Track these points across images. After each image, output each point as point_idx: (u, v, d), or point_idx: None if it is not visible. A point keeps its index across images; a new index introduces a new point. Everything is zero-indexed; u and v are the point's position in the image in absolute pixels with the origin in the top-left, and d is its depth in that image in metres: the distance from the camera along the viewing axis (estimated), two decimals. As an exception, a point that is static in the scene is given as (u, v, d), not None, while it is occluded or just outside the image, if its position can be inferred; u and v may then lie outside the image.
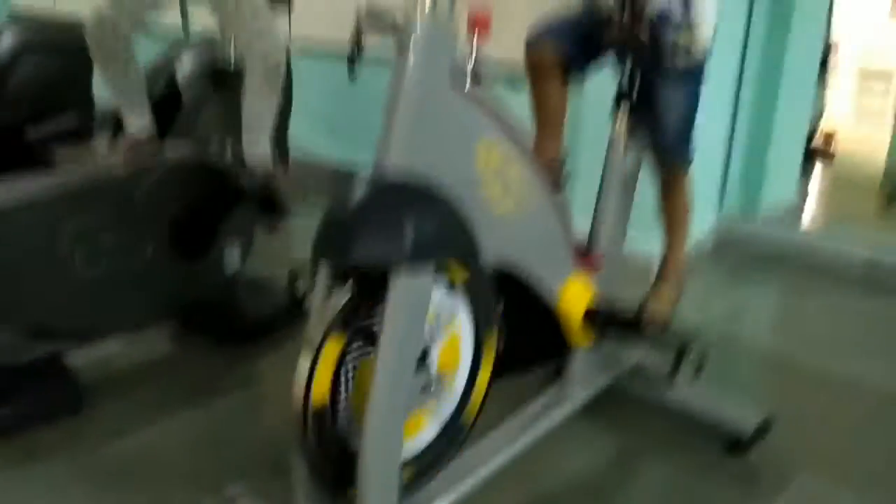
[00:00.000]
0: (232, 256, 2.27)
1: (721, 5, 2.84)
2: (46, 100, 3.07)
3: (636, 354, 1.79)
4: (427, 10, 1.12)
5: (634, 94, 1.61)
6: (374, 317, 1.20)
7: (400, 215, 1.12)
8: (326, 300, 1.19)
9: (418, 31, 1.13)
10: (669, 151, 1.64)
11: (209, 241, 2.17)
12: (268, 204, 2.29)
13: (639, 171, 1.71)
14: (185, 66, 2.47)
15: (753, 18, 3.12)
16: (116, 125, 2.45)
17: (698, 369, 1.66)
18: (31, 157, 2.52)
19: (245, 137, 2.09)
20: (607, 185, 1.69)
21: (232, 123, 2.18)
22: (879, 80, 10.42)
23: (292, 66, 2.41)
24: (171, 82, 2.39)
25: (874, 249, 3.12)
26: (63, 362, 1.89)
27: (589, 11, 1.59)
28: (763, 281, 3.05)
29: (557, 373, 1.67)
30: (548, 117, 1.61)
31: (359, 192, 1.17)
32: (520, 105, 1.53)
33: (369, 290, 1.17)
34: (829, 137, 6.08)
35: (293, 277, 1.34)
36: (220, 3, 1.98)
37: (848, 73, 10.83)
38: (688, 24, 1.51)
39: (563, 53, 1.56)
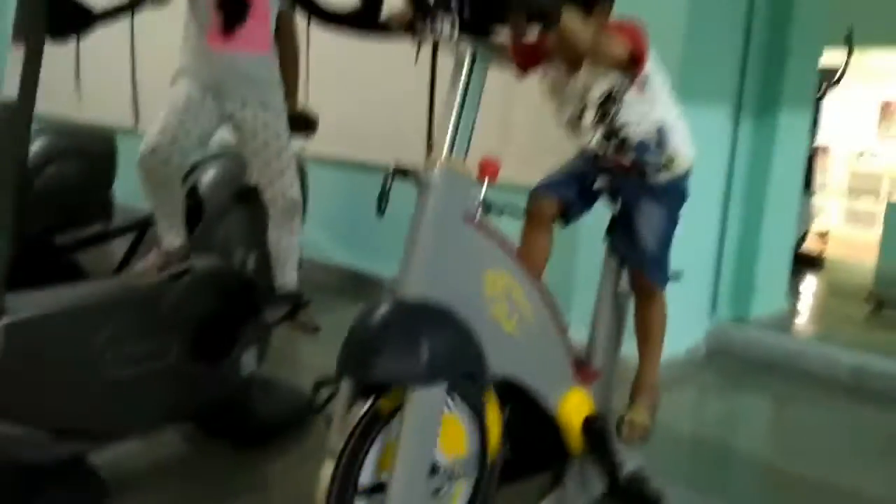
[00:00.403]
0: (248, 359, 2.39)
1: (709, 122, 3.10)
2: (72, 205, 3.26)
3: (634, 461, 1.89)
4: (444, 158, 1.30)
5: (617, 210, 1.78)
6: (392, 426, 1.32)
7: (418, 337, 1.26)
8: (348, 411, 1.31)
9: (437, 177, 1.30)
10: (646, 268, 1.75)
11: (228, 346, 2.29)
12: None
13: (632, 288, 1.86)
14: (208, 178, 2.66)
15: (740, 133, 3.35)
16: (140, 233, 2.62)
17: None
18: (59, 264, 2.69)
19: (275, 270, 2.28)
20: (602, 301, 1.84)
21: (254, 236, 2.35)
22: (869, 183, 10.75)
23: (308, 174, 2.60)
24: (194, 192, 2.58)
25: (863, 357, 3.22)
26: (87, 462, 1.98)
27: (583, 157, 1.79)
28: (755, 388, 3.15)
29: (557, 480, 1.77)
30: (532, 261, 1.75)
31: (381, 312, 1.31)
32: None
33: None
34: (822, 236, 6.31)
35: (318, 386, 1.47)
36: (247, 139, 2.17)
37: (838, 175, 11.19)
38: (664, 151, 1.70)
39: (562, 204, 1.76)
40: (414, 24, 1.36)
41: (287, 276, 2.29)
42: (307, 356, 3.00)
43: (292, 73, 2.31)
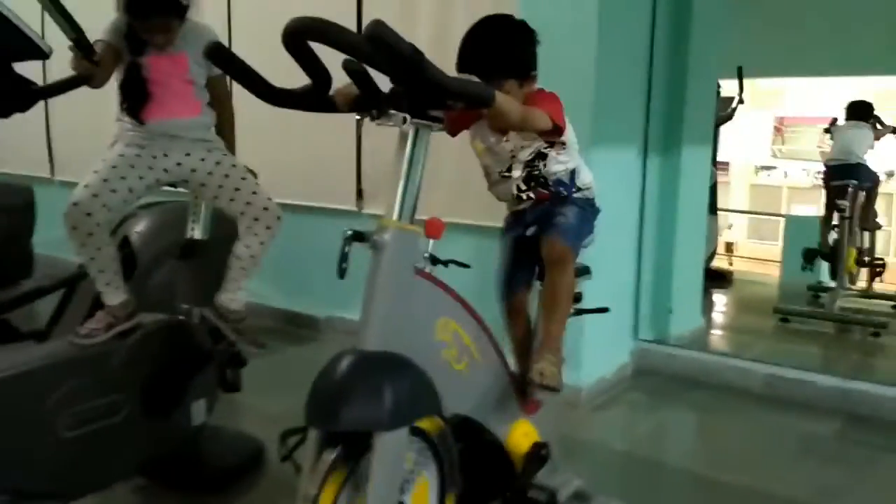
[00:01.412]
0: (199, 409, 2.43)
1: (620, 160, 3.32)
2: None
3: (577, 482, 2.05)
4: (395, 220, 1.44)
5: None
6: (359, 469, 1.43)
7: (380, 386, 1.37)
8: (318, 459, 1.41)
9: (389, 237, 1.43)
10: (560, 233, 1.80)
11: (179, 398, 2.33)
12: (232, 361, 2.50)
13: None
14: (140, 229, 2.69)
15: (648, 169, 3.61)
16: (69, 289, 2.62)
17: None
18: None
19: (226, 281, 2.28)
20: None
21: (198, 290, 2.40)
22: (770, 197, 11.40)
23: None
24: (126, 244, 2.60)
25: (774, 367, 3.47)
26: (43, 524, 2.00)
27: (511, 222, 1.97)
28: (679, 402, 3.36)
29: (506, 504, 1.91)
30: (521, 345, 1.98)
31: (344, 364, 1.42)
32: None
33: (354, 448, 1.41)
34: (728, 248, 6.72)
35: (284, 436, 1.56)
36: (203, 180, 2.23)
37: (740, 190, 11.82)
38: (575, 183, 1.89)
39: (525, 288, 1.95)
40: (360, 103, 1.49)
41: (235, 292, 2.29)
42: (255, 403, 3.05)
43: (229, 133, 2.39)
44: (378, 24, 1.13)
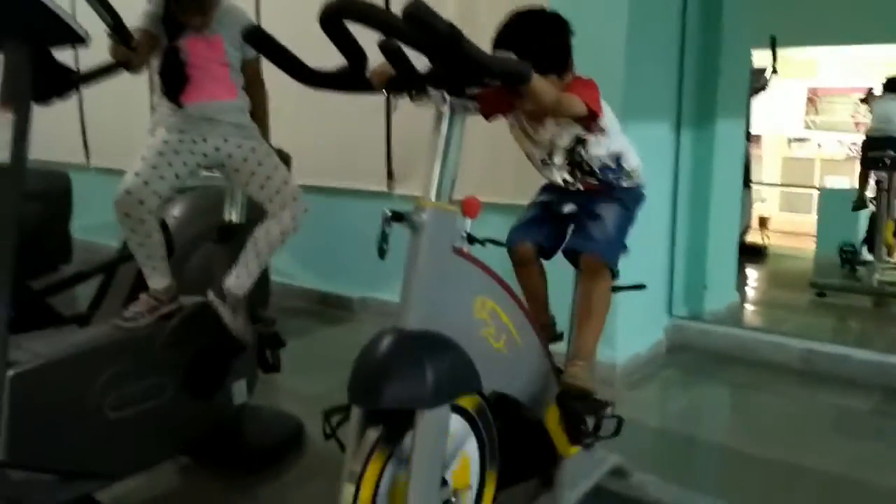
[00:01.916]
0: (240, 389, 2.48)
1: (653, 135, 3.29)
2: (32, 247, 3.26)
3: (615, 458, 2.06)
4: (433, 199, 1.45)
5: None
6: (402, 446, 1.45)
7: (421, 365, 1.39)
8: (361, 437, 1.44)
9: (427, 217, 1.44)
10: (601, 247, 1.80)
11: (220, 379, 2.38)
12: (271, 342, 2.54)
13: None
14: (177, 213, 2.73)
15: (681, 143, 3.57)
16: (109, 274, 2.68)
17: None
18: (36, 309, 2.73)
19: (238, 265, 2.29)
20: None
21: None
22: (803, 169, 11.20)
23: None
24: (163, 227, 2.64)
25: (810, 342, 3.43)
26: (94, 502, 2.06)
27: (548, 188, 1.96)
28: (714, 379, 3.35)
29: (545, 482, 1.92)
30: (533, 295, 1.96)
31: (385, 343, 1.43)
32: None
33: (397, 425, 1.43)
34: (763, 222, 6.63)
35: (327, 415, 1.58)
36: (237, 167, 2.27)
37: (773, 162, 11.63)
38: (623, 169, 1.88)
39: (536, 246, 1.91)
40: (396, 82, 1.50)
41: (243, 277, 2.29)
42: (293, 383, 3.10)
43: (263, 117, 2.42)
44: (417, 3, 1.13)
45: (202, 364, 2.29)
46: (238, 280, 2.29)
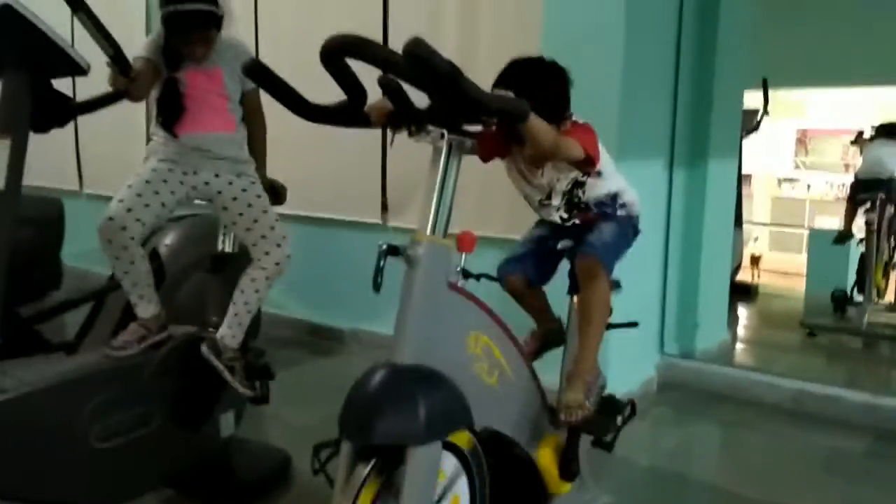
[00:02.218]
0: (227, 421, 2.46)
1: (646, 173, 3.32)
2: (23, 273, 3.22)
3: (605, 497, 2.04)
4: (428, 234, 1.45)
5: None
6: (392, 482, 1.43)
7: (413, 400, 1.38)
8: (351, 472, 1.42)
9: (422, 251, 1.44)
10: (595, 250, 1.80)
11: (208, 410, 2.36)
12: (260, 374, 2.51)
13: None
14: (170, 241, 2.73)
15: (674, 181, 3.60)
16: (98, 302, 2.66)
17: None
18: (23, 336, 2.70)
19: (228, 320, 2.28)
20: (570, 350, 1.99)
21: (229, 303, 2.42)
22: (793, 209, 11.29)
23: None
24: (155, 256, 2.63)
25: (801, 383, 3.43)
26: (77, 533, 2.02)
27: (542, 224, 1.98)
28: (704, 417, 3.34)
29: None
30: (536, 310, 2.03)
31: (377, 378, 1.43)
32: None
33: (387, 461, 1.41)
34: (755, 261, 6.68)
35: (317, 449, 1.57)
36: (227, 205, 2.27)
37: (763, 202, 11.72)
38: (617, 203, 1.90)
39: (526, 277, 1.95)
40: (394, 118, 1.51)
41: (235, 328, 2.28)
42: (281, 415, 3.06)
43: (261, 148, 2.43)
44: (417, 41, 1.15)
45: (190, 394, 2.27)
46: (230, 331, 2.28)
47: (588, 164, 1.75)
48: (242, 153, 2.31)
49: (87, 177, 5.94)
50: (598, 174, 1.83)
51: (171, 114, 2.17)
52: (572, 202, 1.86)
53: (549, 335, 2.06)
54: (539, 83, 1.70)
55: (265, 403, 2.53)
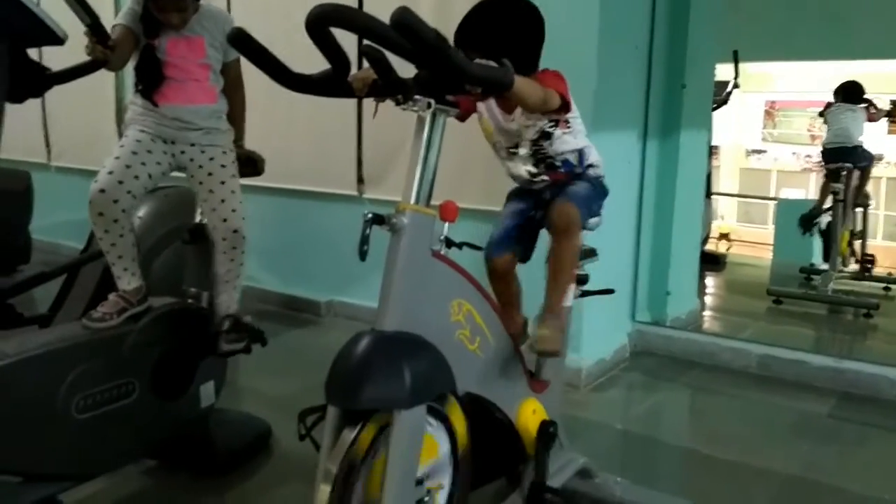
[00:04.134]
0: (207, 391, 2.47)
1: (620, 145, 3.37)
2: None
3: (581, 459, 2.10)
4: (412, 203, 1.47)
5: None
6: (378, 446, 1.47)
7: (398, 365, 1.41)
8: (337, 437, 1.45)
9: (406, 220, 1.46)
10: (571, 198, 1.82)
11: (188, 381, 2.37)
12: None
13: (570, 304, 2.06)
14: (144, 214, 2.70)
15: (647, 153, 3.65)
16: (71, 275, 2.64)
17: None
18: (1, 310, 2.68)
19: (216, 293, 2.33)
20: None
21: (207, 274, 2.43)
22: (760, 181, 11.46)
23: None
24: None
25: (768, 348, 3.53)
26: (59, 504, 2.03)
27: (519, 195, 2.00)
28: (675, 383, 3.42)
29: (512, 482, 1.96)
30: (508, 299, 1.99)
31: (363, 344, 1.45)
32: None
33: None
34: (725, 236, 6.80)
35: (303, 415, 1.59)
36: (194, 172, 2.27)
37: (730, 173, 11.88)
38: (584, 163, 1.93)
39: (512, 256, 1.96)
40: (378, 88, 1.52)
41: (226, 298, 2.33)
42: (260, 386, 3.08)
43: (240, 119, 2.42)
44: (405, 11, 1.16)
45: (170, 365, 2.28)
46: (225, 300, 2.32)
47: (563, 111, 1.75)
48: (222, 124, 2.31)
49: (55, 149, 5.84)
50: (567, 123, 1.85)
51: (150, 82, 2.15)
52: (538, 154, 1.88)
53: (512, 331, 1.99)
54: (513, 34, 1.70)
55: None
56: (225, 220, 2.27)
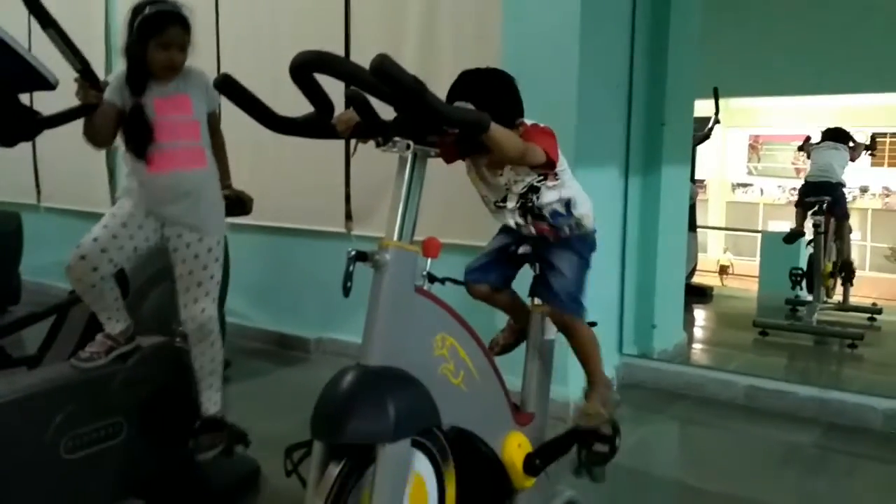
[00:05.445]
0: (195, 430, 2.47)
1: (602, 182, 3.42)
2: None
3: (568, 492, 2.11)
4: (395, 240, 1.51)
5: (538, 269, 2.02)
6: (363, 481, 1.48)
7: (383, 400, 1.43)
8: (322, 472, 1.47)
9: (389, 257, 1.50)
10: (564, 304, 1.94)
11: (176, 420, 2.38)
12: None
13: (553, 338, 2.10)
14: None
15: (629, 189, 3.72)
16: (60, 316, 2.65)
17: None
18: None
19: (205, 395, 2.31)
20: (530, 351, 2.07)
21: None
22: (747, 214, 11.58)
23: (229, 244, 2.69)
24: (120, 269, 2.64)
25: (755, 379, 3.57)
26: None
27: (505, 230, 2.05)
28: (663, 415, 3.44)
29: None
30: (508, 309, 2.12)
31: (348, 380, 1.48)
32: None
33: (359, 460, 1.47)
34: (724, 269, 6.86)
35: (289, 451, 1.61)
36: (177, 263, 2.27)
37: (717, 207, 12.00)
38: (573, 216, 1.96)
39: (489, 284, 2.03)
40: (360, 130, 1.57)
41: (208, 400, 2.32)
42: (249, 424, 3.07)
43: (223, 159, 2.44)
44: (384, 58, 1.21)
45: (159, 404, 2.29)
46: (206, 403, 2.31)
47: (549, 168, 1.81)
48: (213, 191, 2.34)
49: (45, 190, 5.87)
50: (555, 177, 1.90)
51: (139, 139, 2.15)
52: (526, 206, 1.93)
53: (523, 326, 2.15)
54: (491, 93, 1.76)
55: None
56: (194, 318, 2.24)
